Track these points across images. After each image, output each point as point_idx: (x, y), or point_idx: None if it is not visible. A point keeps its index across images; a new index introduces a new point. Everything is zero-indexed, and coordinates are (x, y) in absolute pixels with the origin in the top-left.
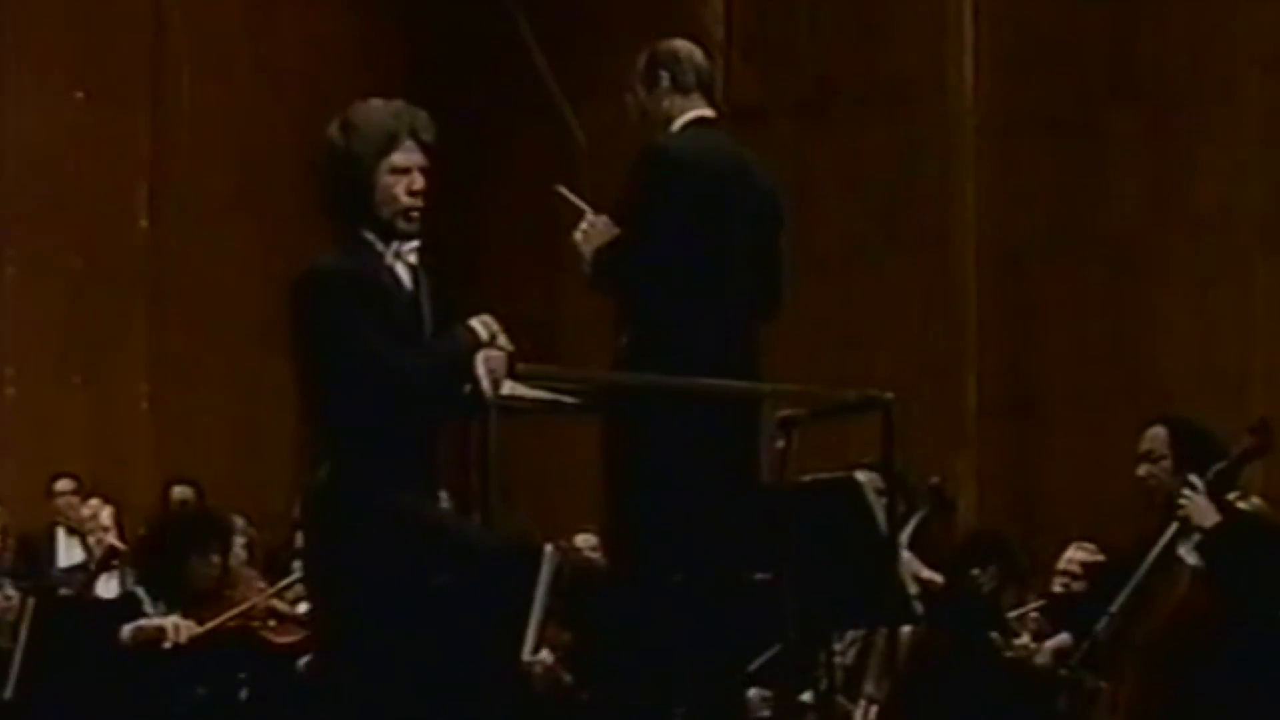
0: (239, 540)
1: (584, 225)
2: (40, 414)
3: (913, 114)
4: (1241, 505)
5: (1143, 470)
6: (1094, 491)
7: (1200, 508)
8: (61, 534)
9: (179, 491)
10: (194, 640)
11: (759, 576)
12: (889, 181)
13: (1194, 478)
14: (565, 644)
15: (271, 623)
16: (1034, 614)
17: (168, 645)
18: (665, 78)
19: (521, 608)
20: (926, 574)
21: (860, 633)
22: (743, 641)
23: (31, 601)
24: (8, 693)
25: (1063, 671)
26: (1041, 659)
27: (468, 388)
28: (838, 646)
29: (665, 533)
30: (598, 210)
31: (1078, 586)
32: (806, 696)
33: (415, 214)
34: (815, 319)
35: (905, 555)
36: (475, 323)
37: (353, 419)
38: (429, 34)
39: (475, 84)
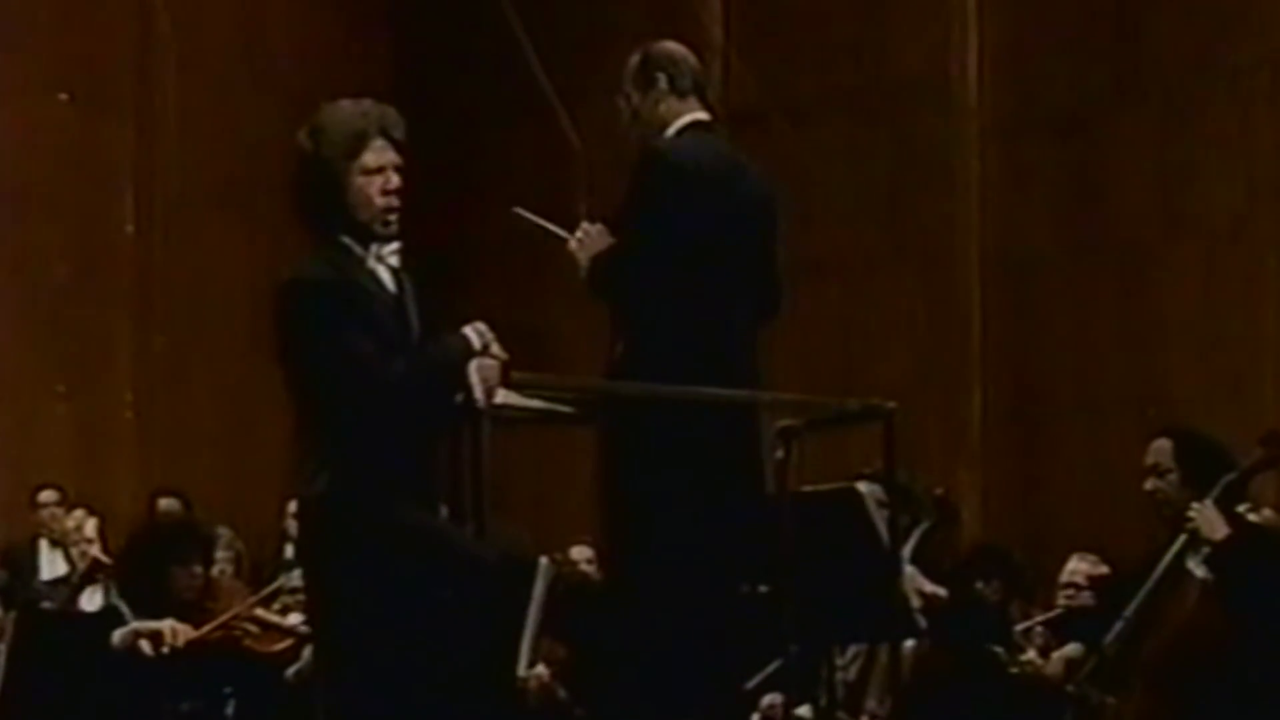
0: (225, 553)
1: (580, 233)
2: (23, 423)
3: (915, 117)
4: (1252, 518)
5: (1150, 485)
6: (1101, 503)
7: (1209, 520)
8: (45, 546)
9: (165, 503)
10: (190, 644)
11: (759, 589)
12: (891, 186)
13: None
14: (561, 659)
15: (256, 630)
16: (1039, 628)
17: (165, 649)
18: (663, 80)
19: (516, 622)
20: (930, 587)
21: (862, 647)
22: (742, 656)
23: (13, 615)
24: None
25: (1070, 687)
26: (1052, 669)
27: (460, 397)
28: (840, 661)
29: (662, 545)
30: (565, 225)
31: (1083, 599)
32: (806, 711)
33: (393, 215)
34: (815, 326)
35: (908, 569)
36: (468, 330)
37: (349, 429)
38: (419, 36)
39: (466, 86)
